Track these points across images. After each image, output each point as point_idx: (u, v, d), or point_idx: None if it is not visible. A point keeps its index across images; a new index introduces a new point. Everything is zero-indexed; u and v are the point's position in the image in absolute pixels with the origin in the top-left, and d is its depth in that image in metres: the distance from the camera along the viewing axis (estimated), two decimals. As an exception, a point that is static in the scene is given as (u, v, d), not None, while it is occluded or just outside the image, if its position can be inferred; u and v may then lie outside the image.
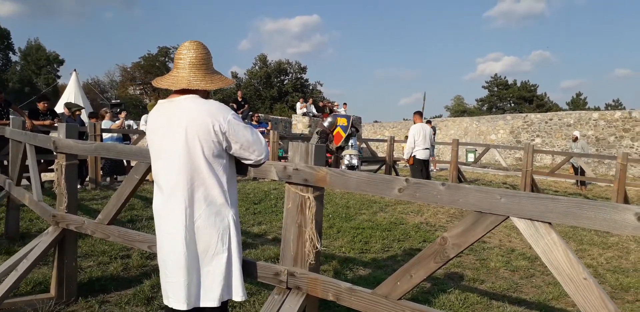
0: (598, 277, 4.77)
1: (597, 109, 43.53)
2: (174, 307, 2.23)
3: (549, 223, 1.83)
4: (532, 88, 48.97)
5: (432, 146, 9.76)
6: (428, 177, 9.67)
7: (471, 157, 18.43)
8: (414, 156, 9.63)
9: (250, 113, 17.06)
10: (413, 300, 2.30)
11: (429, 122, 11.70)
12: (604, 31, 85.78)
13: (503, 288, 4.29)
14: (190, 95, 2.22)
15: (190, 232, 2.17)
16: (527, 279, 4.65)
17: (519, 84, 49.36)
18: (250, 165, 2.43)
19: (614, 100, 49.11)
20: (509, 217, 1.90)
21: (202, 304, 2.20)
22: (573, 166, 13.85)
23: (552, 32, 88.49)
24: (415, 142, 9.56)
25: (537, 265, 5.10)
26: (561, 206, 1.78)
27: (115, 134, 10.03)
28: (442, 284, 4.25)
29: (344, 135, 11.60)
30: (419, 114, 10.15)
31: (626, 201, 10.33)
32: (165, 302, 2.28)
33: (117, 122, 10.73)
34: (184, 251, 2.17)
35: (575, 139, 14.45)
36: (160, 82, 2.28)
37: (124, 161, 9.88)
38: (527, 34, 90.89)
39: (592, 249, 5.99)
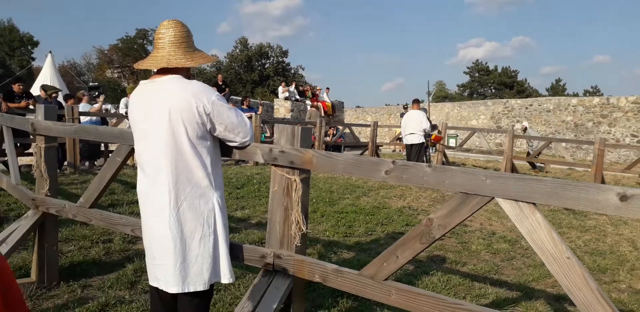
0: (576, 259, 4.88)
1: (575, 95, 44.11)
2: (165, 290, 2.21)
3: (534, 204, 1.85)
4: (513, 74, 49.31)
5: (423, 130, 9.84)
6: (421, 160, 9.77)
7: (452, 143, 18.57)
8: (403, 141, 10.20)
9: (241, 98, 16.83)
10: (397, 281, 2.33)
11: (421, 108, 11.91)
12: (583, 17, 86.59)
13: (484, 270, 4.36)
14: (173, 76, 2.17)
15: (176, 214, 2.14)
16: (508, 262, 4.74)
17: (499, 70, 49.63)
18: (235, 147, 2.40)
19: (592, 87, 49.77)
20: (494, 198, 1.92)
21: (192, 288, 2.18)
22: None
23: (533, 18, 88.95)
24: (405, 127, 9.99)
25: (517, 248, 5.20)
26: (546, 187, 1.80)
27: (93, 118, 9.85)
28: (425, 266, 4.30)
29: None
30: (415, 101, 10.49)
31: (603, 185, 10.55)
32: (154, 284, 2.26)
33: (95, 105, 10.52)
34: (169, 234, 2.14)
35: (525, 129, 14.67)
36: (141, 64, 2.23)
37: (101, 145, 9.74)
38: (508, 19, 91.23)
39: (570, 232, 6.12)
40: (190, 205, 2.16)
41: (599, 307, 1.73)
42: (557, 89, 48.33)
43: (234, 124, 2.24)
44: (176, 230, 2.15)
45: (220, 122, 2.19)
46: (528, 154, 14.19)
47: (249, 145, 2.39)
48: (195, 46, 2.27)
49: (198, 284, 2.18)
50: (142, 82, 2.27)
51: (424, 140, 9.96)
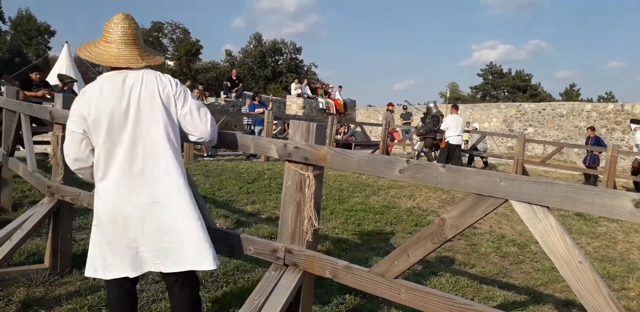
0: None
1: (590, 100, 43.63)
2: (168, 271, 2.23)
3: (547, 207, 1.85)
4: (527, 77, 48.89)
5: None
6: (458, 161, 10.87)
7: (462, 145, 18.48)
8: (447, 141, 10.99)
9: (252, 93, 16.78)
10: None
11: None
12: (599, 23, 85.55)
13: (493, 273, 4.36)
14: (144, 69, 2.26)
15: (183, 195, 2.21)
16: (517, 265, 4.73)
17: (513, 73, 49.27)
18: (196, 142, 2.42)
19: (606, 93, 49.24)
20: (507, 200, 1.92)
21: (206, 266, 2.21)
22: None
23: (548, 21, 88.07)
24: (447, 127, 10.95)
25: (526, 252, 5.18)
26: (560, 191, 1.80)
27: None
28: (434, 267, 4.31)
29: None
30: (454, 106, 11.84)
31: (614, 192, 10.46)
32: (151, 269, 2.25)
33: None
34: (181, 212, 2.21)
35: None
36: (100, 58, 2.25)
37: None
38: (524, 22, 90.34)
39: (580, 238, 6.08)
40: (186, 187, 2.24)
41: (610, 312, 1.73)
42: (571, 94, 47.87)
43: (196, 107, 2.32)
44: (185, 209, 2.21)
45: (187, 110, 2.30)
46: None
47: (210, 141, 2.40)
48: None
49: (209, 263, 2.21)
50: (107, 74, 2.28)
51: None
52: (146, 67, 2.27)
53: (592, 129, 13.29)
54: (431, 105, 12.11)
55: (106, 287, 2.49)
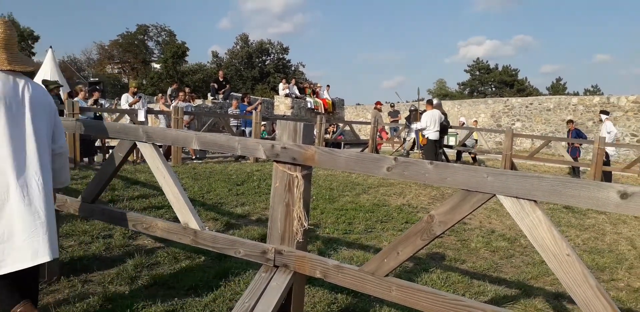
0: (574, 257, 4.89)
1: (576, 94, 44.01)
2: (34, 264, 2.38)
3: (535, 201, 1.86)
4: (514, 73, 49.22)
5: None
6: (445, 157, 11.01)
7: (452, 141, 18.57)
8: (427, 137, 10.95)
9: (241, 94, 16.61)
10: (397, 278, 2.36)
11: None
12: (585, 16, 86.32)
13: (483, 268, 4.37)
14: (26, 77, 2.50)
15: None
16: (507, 260, 4.75)
17: (500, 69, 49.57)
18: (55, 148, 2.64)
19: (592, 86, 49.66)
20: (495, 195, 1.93)
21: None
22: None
23: (534, 16, 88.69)
24: (426, 126, 10.89)
25: (516, 246, 5.22)
26: (546, 185, 1.81)
27: (90, 114, 9.84)
28: (424, 263, 4.32)
29: None
30: (430, 102, 11.61)
31: (602, 184, 10.59)
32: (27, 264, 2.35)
33: (89, 101, 10.51)
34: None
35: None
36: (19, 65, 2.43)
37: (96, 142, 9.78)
38: (510, 18, 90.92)
39: (569, 231, 6.13)
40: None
41: (598, 303, 1.75)
42: (557, 88, 48.24)
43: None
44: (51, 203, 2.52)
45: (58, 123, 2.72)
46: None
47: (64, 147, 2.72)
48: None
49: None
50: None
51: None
52: (13, 71, 2.40)
53: (571, 121, 13.57)
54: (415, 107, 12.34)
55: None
